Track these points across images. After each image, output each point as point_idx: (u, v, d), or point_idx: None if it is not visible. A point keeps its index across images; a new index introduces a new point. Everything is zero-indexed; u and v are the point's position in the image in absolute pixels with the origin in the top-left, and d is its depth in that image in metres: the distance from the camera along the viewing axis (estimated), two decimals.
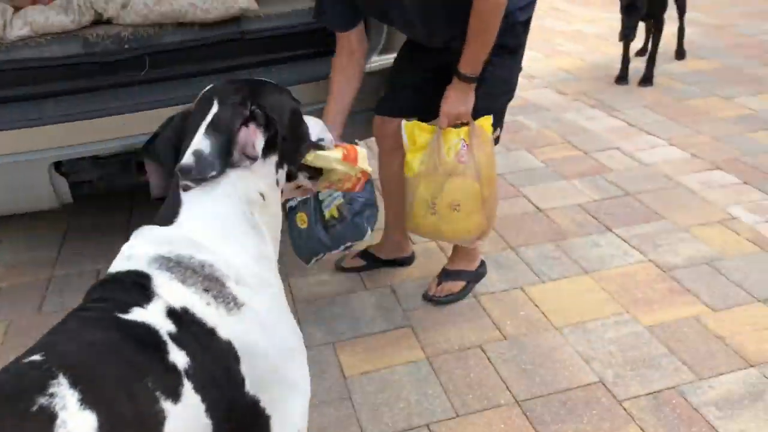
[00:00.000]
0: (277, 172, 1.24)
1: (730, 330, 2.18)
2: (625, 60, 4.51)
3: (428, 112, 2.09)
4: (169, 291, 1.03)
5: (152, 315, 1.00)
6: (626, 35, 4.27)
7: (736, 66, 4.77)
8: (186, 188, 1.14)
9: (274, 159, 1.23)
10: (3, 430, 0.79)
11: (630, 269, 2.53)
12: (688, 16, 4.88)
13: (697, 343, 2.13)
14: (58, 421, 0.81)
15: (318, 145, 1.37)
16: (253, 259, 1.14)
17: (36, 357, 0.89)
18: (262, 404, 1.08)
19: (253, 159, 1.16)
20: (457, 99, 2.00)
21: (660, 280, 2.45)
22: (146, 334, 0.98)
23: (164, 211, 1.16)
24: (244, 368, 1.05)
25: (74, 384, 0.85)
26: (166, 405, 0.93)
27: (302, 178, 1.38)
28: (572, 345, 2.15)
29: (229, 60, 2.38)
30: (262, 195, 1.20)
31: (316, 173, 1.40)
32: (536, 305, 2.35)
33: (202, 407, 0.98)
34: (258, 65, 2.41)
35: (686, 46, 4.98)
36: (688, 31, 5.02)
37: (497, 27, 1.90)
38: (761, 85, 4.37)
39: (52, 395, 0.83)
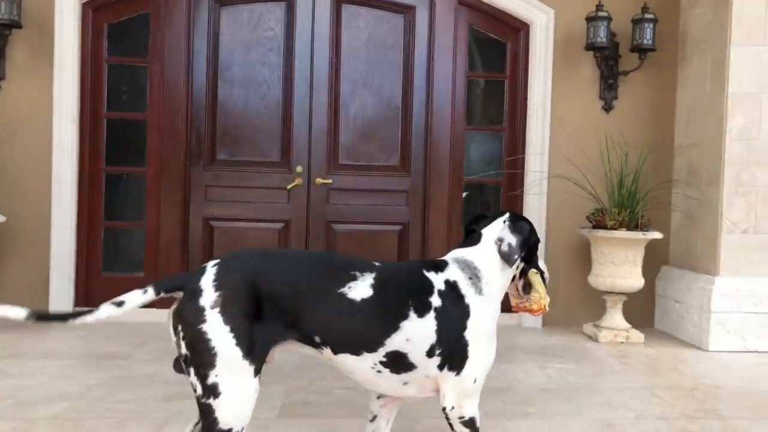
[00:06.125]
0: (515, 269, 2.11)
1: None
2: None
3: None
4: (453, 272, 2.00)
5: (437, 278, 1.96)
6: None
7: None
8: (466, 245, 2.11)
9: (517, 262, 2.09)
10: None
11: None
12: None
13: None
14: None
15: (540, 272, 2.15)
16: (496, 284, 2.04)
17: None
18: (469, 347, 1.92)
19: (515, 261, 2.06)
20: None
21: None
22: (429, 284, 1.94)
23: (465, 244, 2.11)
24: (469, 323, 1.93)
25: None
26: (412, 314, 1.87)
27: (519, 284, 2.16)
28: None
29: None
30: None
31: (527, 287, 2.15)
32: None
33: (434, 327, 1.88)
34: None
35: None
36: None
37: None
38: None
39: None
